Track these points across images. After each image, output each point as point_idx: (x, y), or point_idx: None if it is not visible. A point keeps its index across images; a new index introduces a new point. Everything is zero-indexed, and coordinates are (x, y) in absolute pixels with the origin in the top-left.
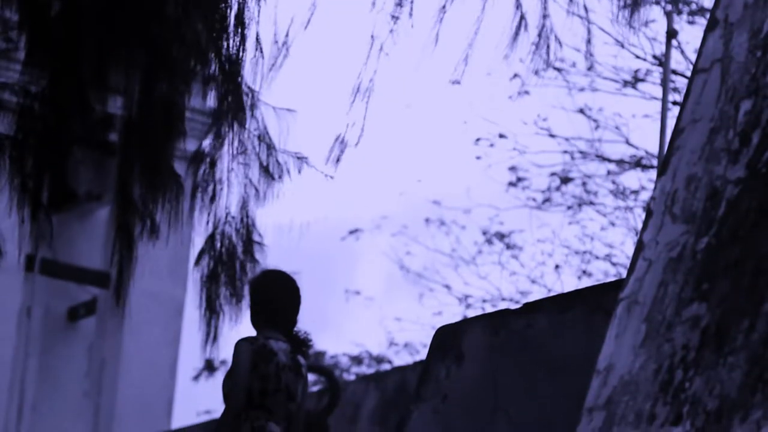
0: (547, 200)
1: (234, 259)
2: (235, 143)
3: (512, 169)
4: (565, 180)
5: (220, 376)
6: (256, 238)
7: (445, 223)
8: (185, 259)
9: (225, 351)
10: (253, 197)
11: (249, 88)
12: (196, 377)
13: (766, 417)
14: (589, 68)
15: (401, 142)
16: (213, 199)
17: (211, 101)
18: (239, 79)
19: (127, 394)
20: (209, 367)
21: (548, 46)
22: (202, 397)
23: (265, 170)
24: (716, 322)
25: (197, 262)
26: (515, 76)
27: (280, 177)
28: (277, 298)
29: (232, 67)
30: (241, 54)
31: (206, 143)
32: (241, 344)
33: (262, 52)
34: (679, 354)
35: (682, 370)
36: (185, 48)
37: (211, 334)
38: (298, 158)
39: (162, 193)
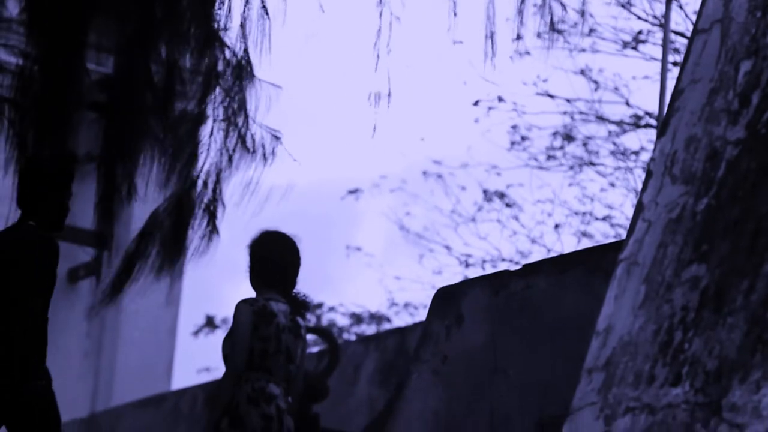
0: (551, 157)
1: (187, 223)
2: (219, 111)
3: (514, 127)
4: (568, 138)
5: (220, 334)
6: (219, 205)
7: (442, 176)
8: None
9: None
10: (225, 165)
11: (242, 57)
12: (196, 332)
13: (766, 377)
14: (590, 32)
15: (401, 102)
16: (191, 164)
17: (201, 67)
18: (229, 47)
19: (127, 355)
20: (210, 323)
21: (551, 9)
22: (202, 354)
23: (242, 142)
24: (716, 283)
25: (149, 220)
26: (518, 37)
27: (253, 151)
28: (276, 259)
29: (222, 34)
30: (233, 21)
31: (191, 107)
32: (242, 306)
33: (268, 15)
34: (678, 315)
35: (681, 331)
36: (179, 12)
37: (114, 292)
38: (275, 137)
39: (158, 154)
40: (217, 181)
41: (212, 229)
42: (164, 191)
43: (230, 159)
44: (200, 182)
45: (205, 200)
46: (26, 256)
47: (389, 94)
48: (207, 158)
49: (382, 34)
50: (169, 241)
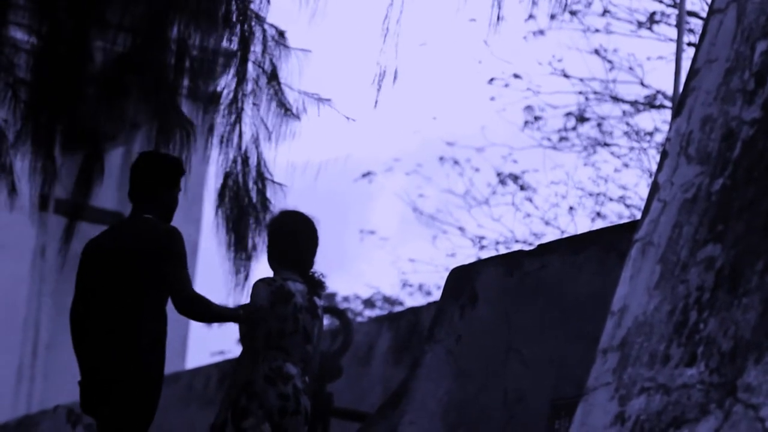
0: (563, 139)
1: (249, 199)
2: (251, 83)
3: (528, 108)
4: (581, 119)
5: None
6: (268, 177)
7: (458, 162)
8: (199, 199)
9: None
10: (267, 137)
11: (269, 26)
12: None
13: None
14: (605, 12)
15: (416, 81)
16: (228, 138)
17: (228, 41)
18: (256, 18)
19: None
20: None
21: None
22: (216, 339)
23: (285, 109)
24: (731, 263)
25: (219, 204)
26: (530, 17)
27: (297, 117)
28: (295, 239)
29: (249, 5)
30: None
31: (222, 83)
32: (260, 284)
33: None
34: (693, 295)
35: (696, 312)
36: None
37: (241, 275)
38: (318, 99)
39: (173, 134)
40: (259, 155)
41: (264, 201)
42: (195, 171)
43: (268, 129)
44: (245, 158)
45: (254, 174)
46: (171, 246)
47: (393, 75)
48: (248, 131)
49: (394, 6)
50: (247, 225)
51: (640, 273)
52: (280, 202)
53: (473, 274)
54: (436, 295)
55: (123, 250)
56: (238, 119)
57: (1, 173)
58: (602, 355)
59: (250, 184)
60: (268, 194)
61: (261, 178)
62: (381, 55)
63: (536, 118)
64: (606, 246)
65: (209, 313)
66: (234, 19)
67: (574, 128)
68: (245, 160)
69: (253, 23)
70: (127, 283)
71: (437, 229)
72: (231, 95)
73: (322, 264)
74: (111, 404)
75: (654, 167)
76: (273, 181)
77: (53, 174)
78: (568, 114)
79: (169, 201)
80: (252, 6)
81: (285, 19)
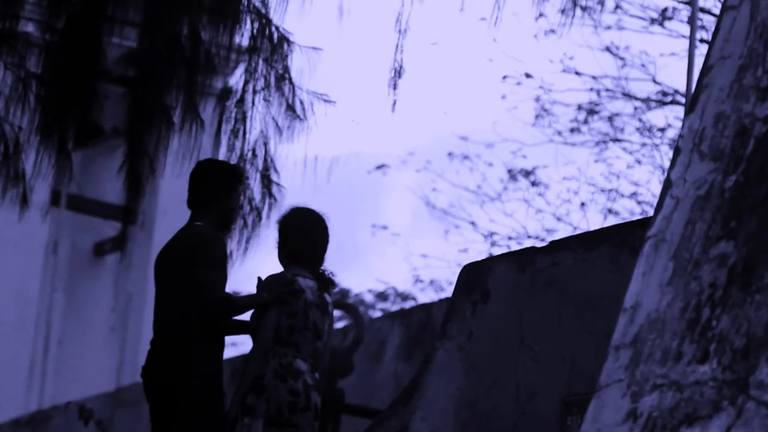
0: (573, 130)
1: (252, 197)
2: (261, 81)
3: (537, 100)
4: (592, 112)
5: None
6: (273, 176)
7: (469, 157)
8: None
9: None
10: (275, 135)
11: (277, 25)
12: None
13: None
14: (616, 8)
15: (428, 79)
16: (236, 135)
17: (240, 38)
18: (268, 16)
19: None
20: None
21: None
22: None
23: (290, 109)
24: (744, 260)
25: None
26: (541, 15)
27: (304, 116)
28: (305, 235)
29: (261, 3)
30: None
31: (233, 80)
32: (270, 280)
33: None
34: (706, 292)
35: (709, 308)
36: None
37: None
38: (325, 101)
39: (179, 129)
40: (266, 151)
41: (270, 197)
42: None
43: (278, 127)
44: (251, 152)
45: (260, 169)
46: (206, 251)
47: (400, 70)
48: (256, 128)
49: (404, 7)
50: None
51: (653, 270)
52: (284, 200)
53: (485, 270)
54: (448, 291)
55: (170, 257)
56: (245, 116)
57: (14, 182)
58: (614, 351)
59: (255, 182)
60: (273, 192)
61: (266, 176)
62: (396, 56)
63: (545, 110)
64: (618, 243)
65: (234, 308)
66: (245, 16)
67: (585, 121)
68: (252, 158)
69: (264, 21)
70: (173, 290)
71: (449, 224)
72: (240, 92)
73: (334, 258)
74: (159, 408)
75: (667, 164)
76: (277, 183)
77: (66, 170)
78: (579, 107)
79: (226, 208)
80: (265, 3)
81: (295, 16)
